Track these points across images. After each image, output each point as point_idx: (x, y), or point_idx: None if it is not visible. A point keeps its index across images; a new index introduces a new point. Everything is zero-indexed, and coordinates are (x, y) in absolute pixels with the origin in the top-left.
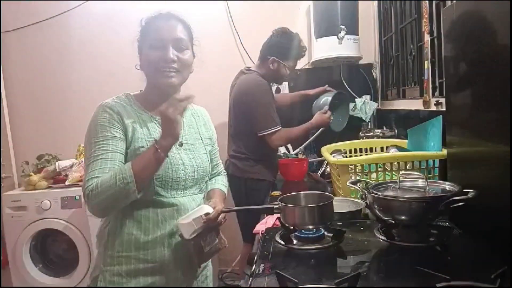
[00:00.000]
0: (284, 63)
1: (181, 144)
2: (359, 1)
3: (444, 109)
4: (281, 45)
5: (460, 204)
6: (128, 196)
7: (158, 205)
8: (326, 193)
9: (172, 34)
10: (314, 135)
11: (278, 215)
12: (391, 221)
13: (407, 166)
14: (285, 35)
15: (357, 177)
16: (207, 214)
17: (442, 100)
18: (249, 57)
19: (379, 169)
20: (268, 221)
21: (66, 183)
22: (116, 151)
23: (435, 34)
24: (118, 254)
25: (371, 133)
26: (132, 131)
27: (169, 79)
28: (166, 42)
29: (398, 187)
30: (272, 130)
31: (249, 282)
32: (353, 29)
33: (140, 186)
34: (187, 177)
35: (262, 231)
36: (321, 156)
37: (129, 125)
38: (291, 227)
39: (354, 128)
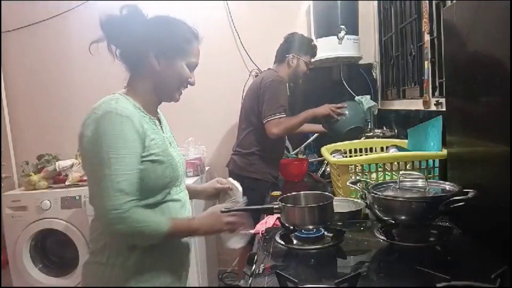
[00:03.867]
0: (303, 59)
1: (170, 143)
2: (359, 1)
3: (444, 109)
4: (298, 42)
5: (460, 204)
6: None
7: (169, 205)
8: (326, 193)
9: (198, 59)
10: (314, 136)
11: (278, 215)
12: (391, 221)
13: (407, 166)
14: (298, 34)
15: (357, 177)
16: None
17: (442, 100)
18: (249, 57)
19: (379, 169)
20: (268, 221)
21: (66, 183)
22: (135, 170)
23: (435, 34)
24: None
25: (371, 133)
26: (148, 140)
27: (178, 97)
28: (194, 67)
29: (398, 187)
30: (275, 117)
31: (249, 282)
32: (353, 29)
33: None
34: (181, 173)
35: (262, 231)
36: (321, 156)
37: (147, 134)
38: (291, 227)
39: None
